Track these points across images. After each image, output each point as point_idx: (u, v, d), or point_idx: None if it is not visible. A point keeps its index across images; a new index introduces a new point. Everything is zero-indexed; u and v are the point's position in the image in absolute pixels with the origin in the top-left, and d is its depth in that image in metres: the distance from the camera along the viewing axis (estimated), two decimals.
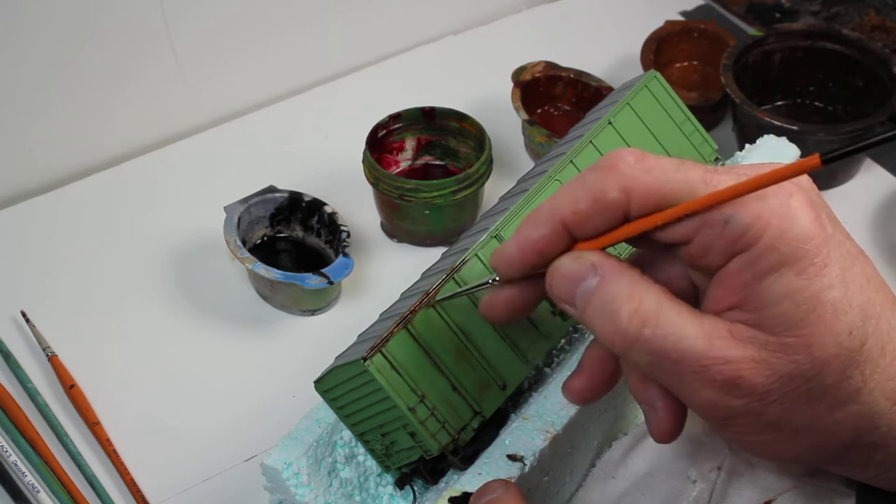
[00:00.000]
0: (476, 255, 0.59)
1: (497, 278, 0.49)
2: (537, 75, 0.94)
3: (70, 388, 0.77)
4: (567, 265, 0.45)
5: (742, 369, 0.42)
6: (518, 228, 0.47)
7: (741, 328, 0.43)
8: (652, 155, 0.44)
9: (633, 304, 0.43)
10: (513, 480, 0.55)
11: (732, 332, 0.43)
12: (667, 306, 0.43)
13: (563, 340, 0.65)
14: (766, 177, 0.42)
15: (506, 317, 0.50)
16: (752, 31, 1.01)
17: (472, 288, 0.55)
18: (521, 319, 0.57)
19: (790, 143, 0.74)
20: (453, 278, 0.58)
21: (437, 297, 0.57)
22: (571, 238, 0.46)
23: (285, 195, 0.84)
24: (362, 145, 0.85)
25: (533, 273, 0.47)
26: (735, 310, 0.43)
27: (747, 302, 0.43)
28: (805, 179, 0.45)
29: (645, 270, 0.45)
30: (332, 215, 0.83)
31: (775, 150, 0.73)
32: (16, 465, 0.72)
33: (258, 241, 0.85)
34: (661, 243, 0.45)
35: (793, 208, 0.42)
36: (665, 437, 0.47)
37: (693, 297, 0.46)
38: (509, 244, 0.47)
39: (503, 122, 0.95)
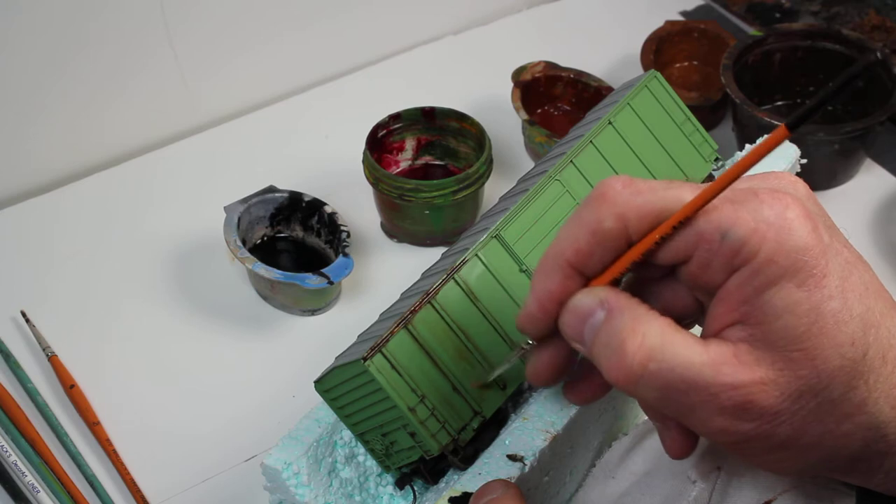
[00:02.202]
0: (476, 255, 0.59)
1: (530, 342, 0.48)
2: (537, 75, 0.94)
3: (70, 388, 0.77)
4: (576, 302, 0.45)
5: (752, 393, 0.42)
6: (531, 284, 0.46)
7: (745, 350, 0.42)
8: (640, 179, 0.45)
9: (636, 338, 0.42)
10: (513, 480, 0.55)
11: (737, 355, 0.42)
12: (671, 338, 0.43)
13: None
14: (749, 158, 0.42)
15: (557, 378, 0.49)
16: (752, 31, 1.01)
17: (513, 357, 0.53)
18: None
19: (790, 143, 0.73)
20: (453, 278, 0.58)
21: (493, 376, 0.57)
22: (584, 278, 0.45)
23: (285, 195, 0.84)
24: (362, 145, 0.85)
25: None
26: (737, 325, 0.43)
27: (748, 317, 0.42)
28: (802, 188, 0.45)
29: (650, 296, 0.45)
30: (332, 215, 0.83)
31: (775, 151, 0.72)
32: (16, 465, 0.72)
33: (258, 241, 0.85)
34: (663, 267, 0.45)
35: (789, 220, 0.42)
36: (680, 453, 0.47)
37: (700, 319, 0.46)
38: (528, 302, 0.46)
39: (503, 122, 0.95)
